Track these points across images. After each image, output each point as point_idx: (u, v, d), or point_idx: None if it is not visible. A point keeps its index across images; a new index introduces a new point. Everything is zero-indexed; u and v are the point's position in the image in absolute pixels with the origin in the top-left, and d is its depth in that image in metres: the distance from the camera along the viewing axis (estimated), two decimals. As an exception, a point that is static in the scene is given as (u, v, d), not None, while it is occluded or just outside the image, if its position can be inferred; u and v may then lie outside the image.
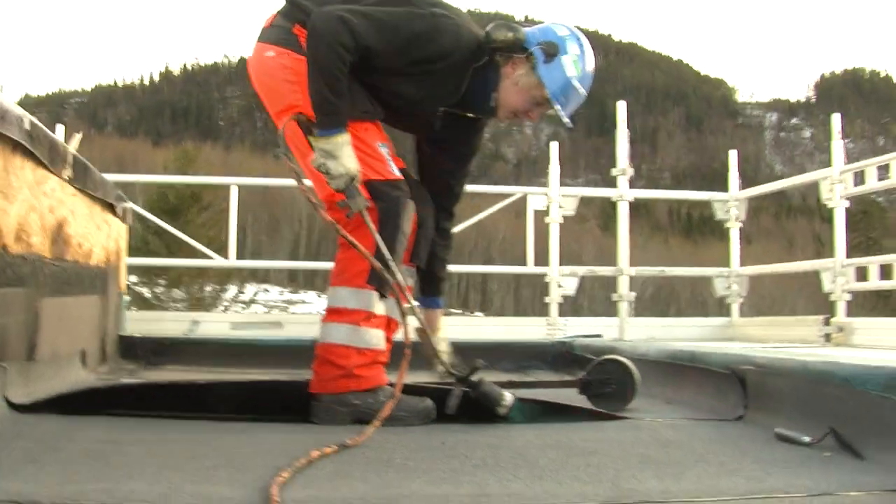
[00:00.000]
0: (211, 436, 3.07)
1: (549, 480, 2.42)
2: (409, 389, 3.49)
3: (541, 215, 8.44)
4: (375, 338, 3.45)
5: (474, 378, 3.47)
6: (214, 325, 7.95)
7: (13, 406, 3.34)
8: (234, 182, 8.57)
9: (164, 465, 2.51)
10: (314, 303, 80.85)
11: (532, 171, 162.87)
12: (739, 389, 3.71)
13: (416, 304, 3.67)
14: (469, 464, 2.63)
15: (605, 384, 4.04)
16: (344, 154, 3.36)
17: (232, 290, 39.68)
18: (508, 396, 3.54)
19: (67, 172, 4.22)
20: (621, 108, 7.11)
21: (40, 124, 3.59)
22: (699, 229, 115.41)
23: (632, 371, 4.08)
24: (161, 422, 3.32)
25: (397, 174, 3.56)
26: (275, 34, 3.64)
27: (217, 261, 8.76)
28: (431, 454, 2.79)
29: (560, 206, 8.32)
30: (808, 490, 2.34)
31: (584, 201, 8.53)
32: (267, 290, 77.19)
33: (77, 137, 5.66)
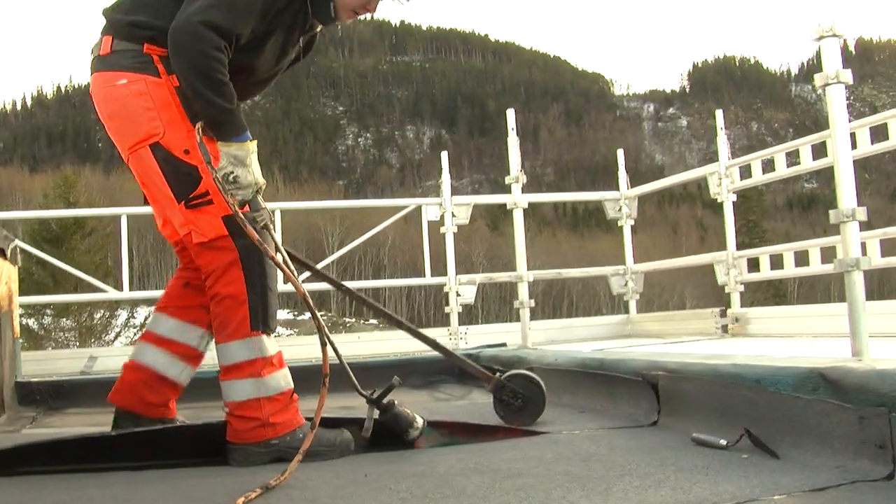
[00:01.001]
0: (130, 488, 2.98)
1: (480, 509, 2.42)
2: (326, 422, 3.43)
3: (434, 224, 8.45)
4: (282, 380, 3.38)
5: (386, 401, 3.45)
6: (113, 358, 7.77)
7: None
8: (124, 212, 8.37)
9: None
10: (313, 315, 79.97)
11: (416, 175, 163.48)
12: (652, 395, 3.76)
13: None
14: (396, 497, 2.61)
15: (515, 397, 3.99)
16: (253, 162, 3.26)
17: (123, 315, 38.97)
18: (420, 420, 3.53)
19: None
20: (510, 115, 7.15)
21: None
22: (585, 222, 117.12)
23: (541, 386, 4.07)
24: (73, 477, 3.20)
25: None
26: (120, 60, 3.37)
27: (111, 293, 8.57)
28: (357, 489, 2.76)
29: (453, 215, 8.34)
30: (735, 497, 2.38)
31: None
32: (159, 313, 75.89)
33: None
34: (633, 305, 8.69)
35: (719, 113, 7.56)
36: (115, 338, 36.85)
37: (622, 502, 2.40)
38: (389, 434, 3.45)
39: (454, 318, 8.28)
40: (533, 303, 7.23)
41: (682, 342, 6.57)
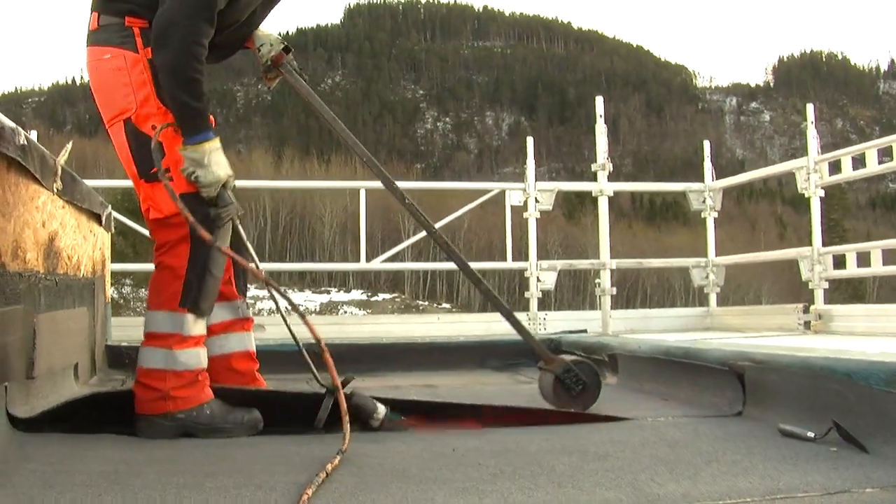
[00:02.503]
0: (221, 450, 3.07)
1: (570, 487, 2.45)
2: (239, 400, 3.54)
3: (516, 210, 8.47)
4: (193, 358, 3.43)
5: (346, 391, 3.42)
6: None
7: (16, 425, 3.34)
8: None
9: (184, 485, 2.51)
10: (280, 299, 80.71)
11: (494, 161, 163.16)
12: (738, 385, 3.75)
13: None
14: (486, 472, 2.65)
15: (578, 383, 4.00)
16: (213, 161, 3.32)
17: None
18: (381, 408, 3.56)
19: (57, 185, 4.20)
20: (598, 103, 7.14)
21: (33, 139, 3.56)
22: (662, 215, 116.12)
23: (600, 380, 4.08)
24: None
25: None
26: (107, 35, 3.46)
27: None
28: (446, 463, 2.81)
29: (537, 201, 8.35)
30: (825, 488, 2.38)
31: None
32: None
33: (67, 149, 5.63)
34: (713, 298, 8.62)
35: (810, 107, 7.46)
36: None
37: (711, 487, 2.42)
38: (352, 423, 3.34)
39: (534, 304, 8.31)
40: (615, 290, 7.23)
41: (764, 336, 6.51)
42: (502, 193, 8.55)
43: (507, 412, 3.74)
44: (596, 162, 7.26)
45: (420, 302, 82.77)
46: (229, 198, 3.39)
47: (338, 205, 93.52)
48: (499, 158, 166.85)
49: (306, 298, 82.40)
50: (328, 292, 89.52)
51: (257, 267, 3.68)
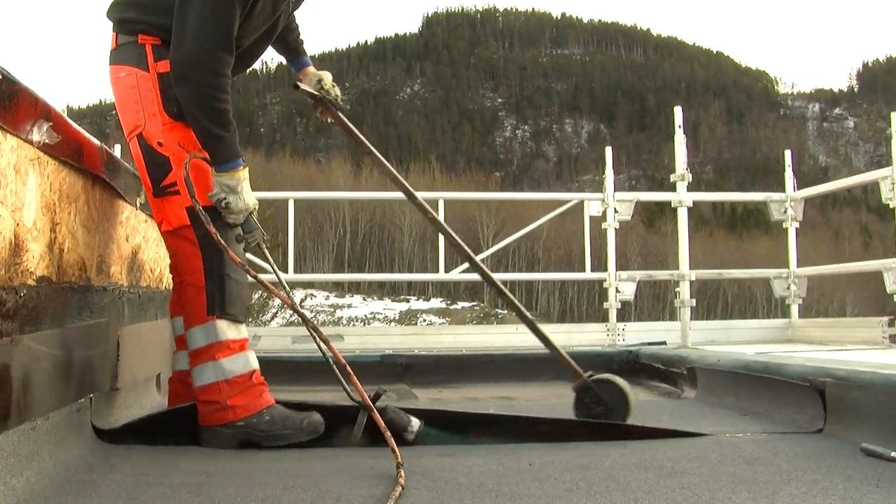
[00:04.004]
0: (298, 464, 3.11)
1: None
2: (298, 405, 3.59)
3: (595, 219, 8.45)
4: (240, 363, 3.49)
5: (379, 404, 3.42)
6: (275, 339, 8.03)
7: (100, 436, 3.43)
8: (291, 196, 8.64)
9: (263, 498, 2.55)
10: (359, 307, 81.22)
11: (573, 169, 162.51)
12: (818, 402, 3.70)
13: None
14: (562, 487, 2.66)
15: (598, 403, 3.91)
16: (244, 189, 3.40)
17: (295, 277, 40.10)
18: (415, 422, 3.56)
19: (139, 199, 4.29)
20: (678, 113, 7.07)
21: (116, 154, 3.65)
22: (744, 223, 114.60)
23: (628, 399, 3.93)
24: (248, 451, 3.38)
25: None
26: (122, 54, 3.55)
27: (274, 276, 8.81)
28: (521, 477, 2.81)
29: (616, 211, 8.32)
30: (907, 510, 2.35)
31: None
32: (314, 296, 77.70)
33: None
34: (794, 310, 8.51)
35: (895, 115, 7.33)
36: (272, 318, 37.79)
37: (790, 507, 2.40)
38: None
39: (612, 315, 8.27)
40: (694, 302, 7.17)
41: (847, 350, 6.41)
42: (581, 204, 8.53)
43: (538, 422, 3.72)
44: (675, 172, 7.20)
45: (499, 311, 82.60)
46: (255, 223, 3.48)
47: (416, 214, 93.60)
48: (578, 166, 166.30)
49: (385, 307, 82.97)
50: (407, 301, 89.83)
51: (287, 292, 3.71)
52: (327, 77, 4.08)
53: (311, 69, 4.14)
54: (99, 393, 3.55)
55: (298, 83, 4.04)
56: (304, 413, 3.52)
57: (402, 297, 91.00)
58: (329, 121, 4.12)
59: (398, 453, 2.95)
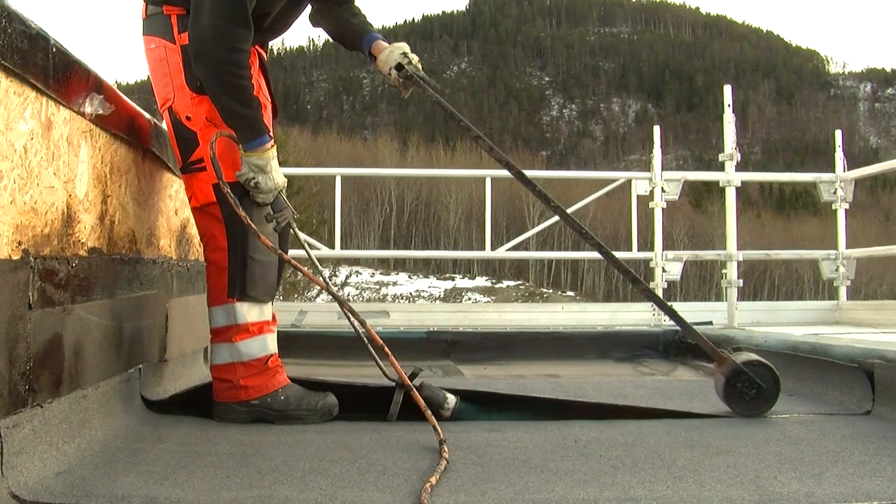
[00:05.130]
0: (346, 436, 3.15)
1: (691, 482, 2.44)
2: (313, 385, 3.62)
3: (642, 199, 8.41)
4: (257, 346, 3.49)
5: (415, 382, 3.42)
6: (321, 314, 8.07)
7: (149, 406, 3.47)
8: (338, 172, 8.67)
9: (309, 469, 2.58)
10: (405, 285, 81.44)
11: (620, 149, 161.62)
12: (867, 383, 3.66)
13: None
14: (607, 464, 2.66)
15: (751, 387, 3.63)
16: (273, 168, 3.36)
17: (325, 273, 40.18)
18: (451, 399, 3.57)
19: (188, 173, 4.33)
20: (727, 92, 7.01)
21: (165, 128, 3.67)
22: (792, 204, 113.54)
23: (779, 381, 3.67)
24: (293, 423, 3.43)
25: None
26: (151, 25, 3.49)
27: (324, 251, 8.86)
28: (567, 453, 2.82)
29: (663, 191, 8.27)
30: (959, 493, 2.32)
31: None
32: (359, 273, 78.06)
33: None
34: (843, 292, 8.42)
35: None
36: (318, 294, 37.87)
37: (835, 488, 2.38)
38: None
39: (658, 294, 8.24)
40: (741, 283, 7.12)
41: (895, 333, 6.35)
42: (628, 183, 8.49)
43: (577, 405, 3.69)
44: (724, 151, 7.13)
45: (544, 290, 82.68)
46: (284, 202, 3.44)
47: (463, 192, 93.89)
48: (625, 146, 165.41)
49: (430, 285, 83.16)
50: (452, 279, 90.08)
51: (320, 273, 3.70)
52: (408, 49, 3.86)
53: (384, 42, 3.89)
54: (148, 364, 3.59)
55: (386, 66, 3.81)
56: (320, 394, 3.53)
57: (447, 275, 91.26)
58: (403, 97, 3.99)
59: (440, 430, 2.96)
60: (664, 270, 8.20)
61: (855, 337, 5.08)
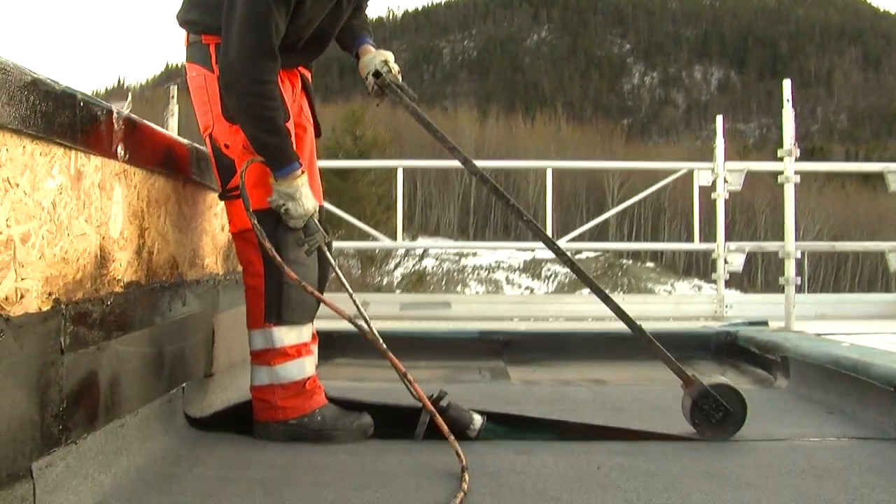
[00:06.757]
0: (376, 459, 3.24)
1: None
2: (350, 405, 3.68)
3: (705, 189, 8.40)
4: (295, 370, 3.57)
5: (443, 403, 3.48)
6: (385, 305, 8.19)
7: (192, 423, 3.59)
8: (399, 164, 8.77)
9: (333, 499, 2.69)
10: (484, 255, 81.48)
11: (702, 118, 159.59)
12: (903, 408, 3.64)
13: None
14: (622, 497, 2.72)
15: (718, 409, 3.65)
16: (303, 195, 3.41)
17: (405, 244, 40.68)
18: (478, 419, 3.60)
19: (235, 188, 4.41)
20: (786, 87, 6.91)
21: (207, 150, 3.75)
22: (880, 175, 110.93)
23: (746, 406, 3.66)
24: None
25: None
26: (192, 53, 3.59)
27: (385, 242, 8.97)
28: (586, 484, 2.88)
29: (726, 181, 8.24)
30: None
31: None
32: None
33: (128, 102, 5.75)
34: (912, 284, 8.31)
35: None
36: (395, 268, 38.24)
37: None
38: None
39: (720, 286, 8.24)
40: (799, 280, 7.04)
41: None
42: (690, 173, 8.48)
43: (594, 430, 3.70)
44: (783, 147, 7.05)
45: (623, 261, 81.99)
46: (315, 226, 3.50)
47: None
48: (707, 114, 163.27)
49: (510, 255, 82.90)
50: (532, 250, 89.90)
51: (350, 295, 3.74)
52: (391, 58, 3.89)
53: (372, 47, 3.94)
54: (192, 382, 3.71)
55: (365, 71, 3.85)
56: (355, 414, 3.62)
57: (527, 245, 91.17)
58: (377, 105, 3.99)
59: (463, 457, 3.03)
60: (726, 262, 8.18)
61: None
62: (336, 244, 4.53)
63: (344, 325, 4.28)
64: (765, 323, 6.58)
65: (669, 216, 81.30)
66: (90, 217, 2.68)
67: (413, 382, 3.42)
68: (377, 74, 3.80)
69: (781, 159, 7.03)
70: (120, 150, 2.86)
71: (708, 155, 8.62)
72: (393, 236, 9.14)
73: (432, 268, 69.95)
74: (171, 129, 7.22)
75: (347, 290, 3.73)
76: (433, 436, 3.39)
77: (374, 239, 8.98)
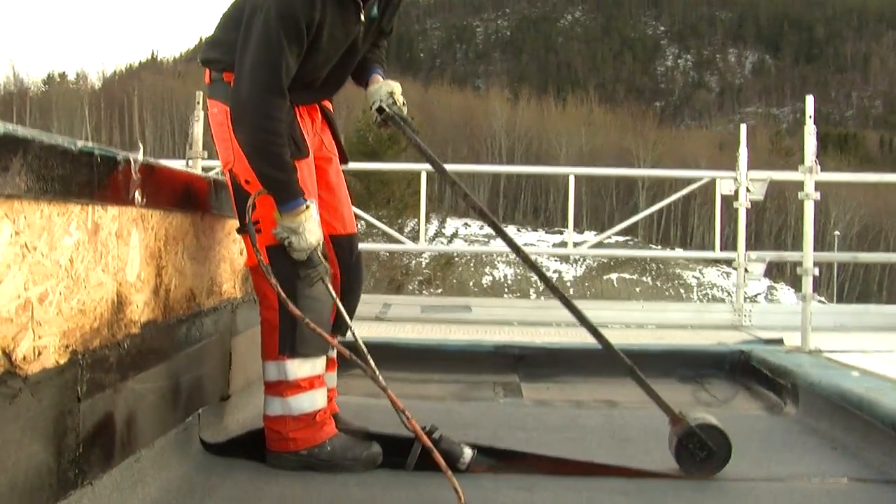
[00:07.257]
0: (386, 491, 3.34)
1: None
2: (360, 435, 3.76)
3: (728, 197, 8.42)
4: (307, 402, 3.66)
5: (434, 436, 3.53)
6: (406, 307, 8.27)
7: (207, 449, 3.68)
8: (423, 168, 8.84)
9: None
10: (513, 238, 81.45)
11: (736, 101, 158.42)
12: (905, 450, 3.65)
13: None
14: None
15: (702, 449, 3.68)
16: (306, 229, 3.47)
17: (434, 225, 40.84)
18: (468, 452, 3.67)
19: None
20: (809, 102, 6.90)
21: (221, 179, 3.83)
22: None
23: (730, 446, 3.69)
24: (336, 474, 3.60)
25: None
26: (213, 90, 3.70)
27: (408, 245, 9.06)
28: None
29: (748, 191, 8.25)
30: None
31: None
32: (468, 225, 78.16)
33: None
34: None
35: None
36: (430, 243, 38.20)
37: None
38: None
39: (740, 295, 8.27)
40: (816, 296, 7.07)
41: None
42: (715, 183, 8.50)
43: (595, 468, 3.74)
44: (803, 164, 7.03)
45: (652, 245, 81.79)
46: (318, 259, 3.56)
47: (573, 147, 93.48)
48: (741, 98, 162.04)
49: (539, 238, 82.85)
50: (561, 232, 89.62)
51: (352, 332, 3.79)
52: (397, 89, 3.93)
53: (380, 76, 3.98)
54: (208, 406, 3.80)
55: (370, 101, 3.90)
56: (365, 444, 3.70)
57: (555, 228, 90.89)
58: (385, 132, 4.08)
59: (461, 494, 3.10)
60: (746, 271, 8.20)
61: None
62: (362, 246, 4.58)
63: (372, 318, 4.30)
64: (780, 341, 6.58)
65: (699, 202, 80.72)
66: (107, 266, 2.75)
67: (410, 419, 3.46)
68: (381, 110, 3.86)
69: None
70: (137, 196, 2.93)
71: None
72: (415, 239, 9.23)
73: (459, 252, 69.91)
74: (197, 136, 7.30)
75: (348, 326, 3.77)
76: (424, 466, 3.46)
77: (398, 242, 9.07)
